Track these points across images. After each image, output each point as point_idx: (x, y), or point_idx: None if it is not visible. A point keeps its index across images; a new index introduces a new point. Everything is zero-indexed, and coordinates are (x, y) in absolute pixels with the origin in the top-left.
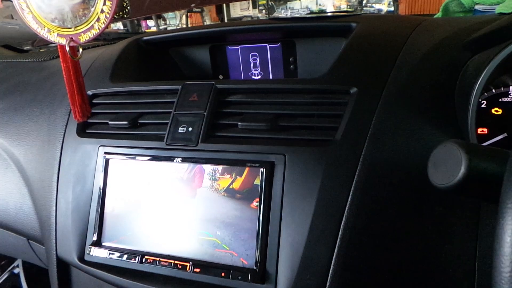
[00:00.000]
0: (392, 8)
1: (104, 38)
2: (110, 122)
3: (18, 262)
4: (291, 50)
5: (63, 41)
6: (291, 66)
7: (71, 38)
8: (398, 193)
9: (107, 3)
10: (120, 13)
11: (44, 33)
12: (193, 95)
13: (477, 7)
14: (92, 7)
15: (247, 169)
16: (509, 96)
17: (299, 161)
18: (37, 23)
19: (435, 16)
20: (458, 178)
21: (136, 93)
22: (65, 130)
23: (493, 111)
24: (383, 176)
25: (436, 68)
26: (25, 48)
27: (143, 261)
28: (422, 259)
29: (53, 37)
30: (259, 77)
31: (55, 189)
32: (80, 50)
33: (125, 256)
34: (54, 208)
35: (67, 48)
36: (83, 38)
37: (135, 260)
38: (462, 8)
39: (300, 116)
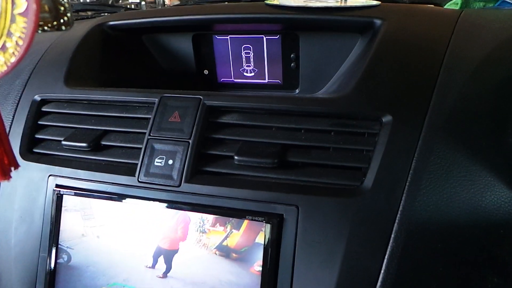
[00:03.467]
0: None
1: None
2: (63, 142)
3: None
4: (293, 44)
5: None
6: (292, 64)
7: None
8: (445, 261)
9: (19, 20)
10: (55, 23)
11: None
12: (174, 114)
13: None
14: None
15: (246, 222)
16: None
17: (317, 215)
18: None
19: (447, 5)
20: None
21: (99, 102)
22: None
23: None
24: (426, 238)
25: (490, 89)
26: None
27: None
28: None
29: None
30: (252, 74)
31: None
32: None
33: None
34: None
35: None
36: None
37: None
38: None
39: (316, 148)
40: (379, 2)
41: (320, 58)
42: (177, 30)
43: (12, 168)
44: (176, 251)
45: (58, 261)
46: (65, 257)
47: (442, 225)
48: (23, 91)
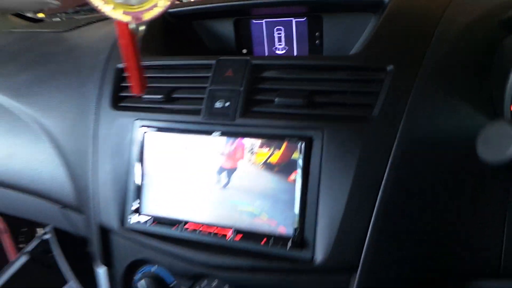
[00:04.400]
0: None
1: None
2: (144, 96)
3: (49, 228)
4: (317, 25)
5: (128, 19)
6: (317, 42)
7: (135, 16)
8: (433, 170)
9: None
10: None
11: (107, 10)
12: (228, 71)
13: None
14: None
15: (285, 143)
16: None
17: (337, 136)
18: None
19: None
20: (510, 154)
21: (168, 67)
22: (97, 103)
23: None
24: (418, 153)
25: (471, 46)
26: (36, 17)
27: (184, 228)
28: (453, 233)
29: (117, 15)
30: (283, 51)
31: (91, 161)
32: (143, 27)
33: (166, 224)
34: (91, 178)
35: (134, 25)
36: (147, 16)
37: (176, 228)
38: None
39: (336, 92)
40: None
41: (340, 36)
42: (221, 16)
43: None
44: (235, 169)
45: (143, 182)
46: (147, 178)
47: (431, 141)
48: (107, 62)
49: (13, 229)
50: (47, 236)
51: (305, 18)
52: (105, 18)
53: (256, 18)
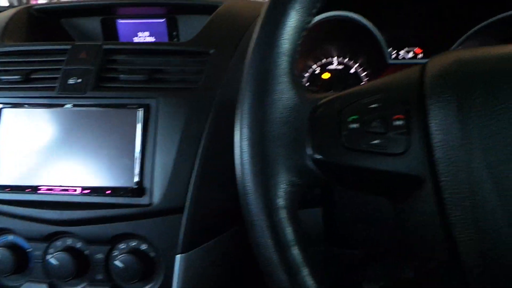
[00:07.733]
0: None
1: None
2: (2, 77)
3: None
4: (174, 25)
5: None
6: (175, 39)
7: None
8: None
9: None
10: None
11: None
12: (82, 53)
13: None
14: None
15: (128, 110)
16: (333, 64)
17: (170, 103)
18: None
19: None
20: None
21: (27, 52)
22: None
23: (322, 76)
24: (228, 113)
25: None
26: None
27: (37, 191)
28: None
29: None
30: None
31: None
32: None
33: (19, 190)
34: None
35: None
36: None
37: (29, 191)
38: None
39: (171, 72)
40: None
41: (191, 33)
42: (88, 14)
43: None
44: (84, 135)
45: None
46: (2, 151)
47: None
48: None
49: None
50: None
51: (164, 20)
52: None
53: (121, 18)
